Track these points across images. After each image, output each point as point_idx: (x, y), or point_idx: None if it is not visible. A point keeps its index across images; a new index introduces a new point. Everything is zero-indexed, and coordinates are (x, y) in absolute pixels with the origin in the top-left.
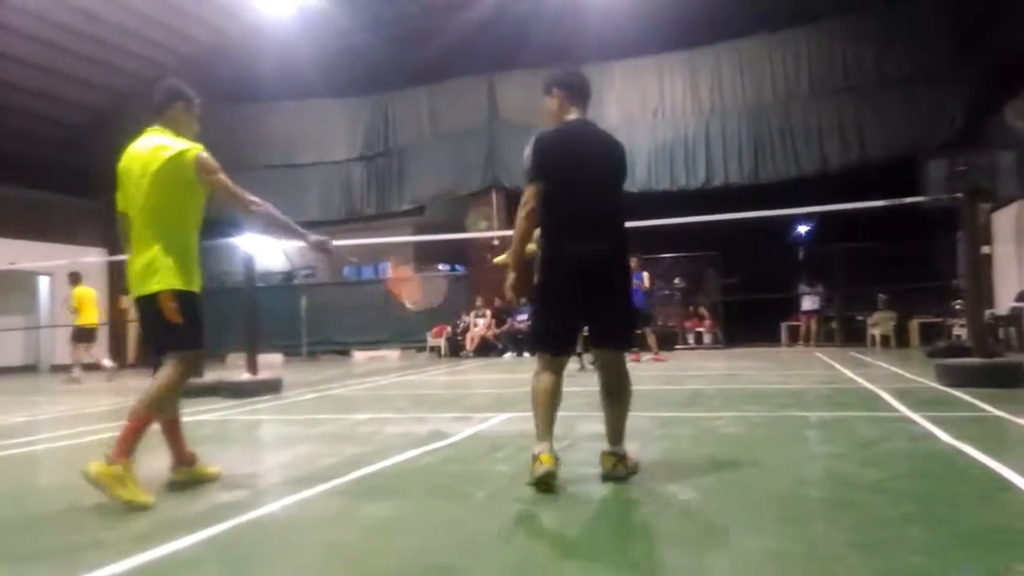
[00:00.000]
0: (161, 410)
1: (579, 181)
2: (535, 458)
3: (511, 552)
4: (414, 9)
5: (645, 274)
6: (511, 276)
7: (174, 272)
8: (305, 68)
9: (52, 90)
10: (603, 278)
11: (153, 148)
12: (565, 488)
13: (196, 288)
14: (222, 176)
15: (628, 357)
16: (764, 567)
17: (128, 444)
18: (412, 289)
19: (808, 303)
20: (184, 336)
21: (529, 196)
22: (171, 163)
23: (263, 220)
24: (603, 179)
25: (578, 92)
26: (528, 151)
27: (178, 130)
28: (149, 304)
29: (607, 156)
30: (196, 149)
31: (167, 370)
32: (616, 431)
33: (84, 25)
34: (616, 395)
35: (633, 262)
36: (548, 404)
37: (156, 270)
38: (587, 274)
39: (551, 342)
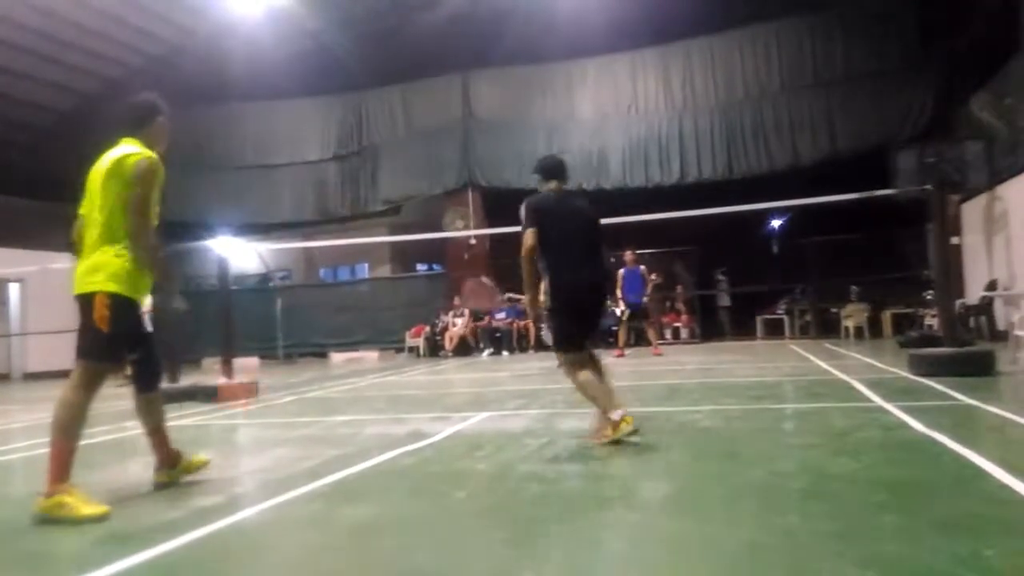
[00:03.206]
0: (75, 432)
1: (566, 228)
2: (620, 421)
3: (491, 552)
4: (385, 7)
5: (642, 268)
6: (531, 310)
7: (114, 277)
8: (276, 67)
9: (15, 92)
10: (593, 298)
11: (109, 157)
12: (542, 486)
13: (139, 296)
14: (143, 191)
15: (613, 353)
16: (741, 558)
17: (57, 472)
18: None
19: (725, 299)
20: (99, 346)
21: (527, 238)
22: (118, 166)
23: (140, 254)
24: (583, 226)
25: (549, 171)
26: (522, 211)
27: (153, 143)
28: (82, 303)
29: (585, 209)
30: (142, 155)
31: (68, 385)
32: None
33: (47, 26)
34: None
35: (629, 256)
36: (599, 383)
37: (97, 271)
38: (584, 293)
39: (574, 342)
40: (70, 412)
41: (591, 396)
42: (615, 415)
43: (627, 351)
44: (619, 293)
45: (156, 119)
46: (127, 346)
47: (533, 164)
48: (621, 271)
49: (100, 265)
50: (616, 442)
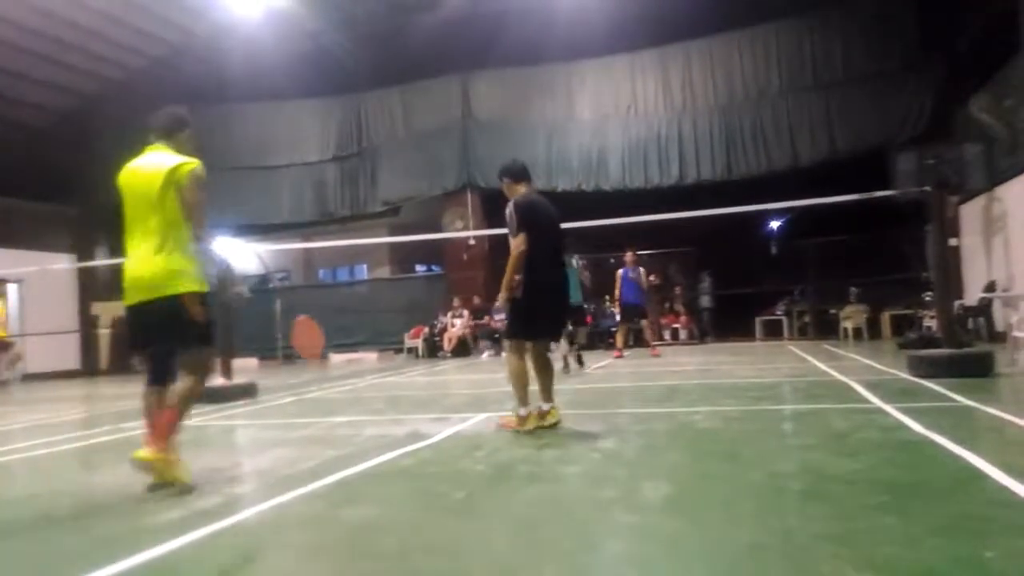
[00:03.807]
0: (190, 409)
1: (544, 229)
2: (526, 417)
3: (490, 553)
4: (384, 9)
5: (641, 269)
6: (503, 296)
7: (195, 276)
8: (275, 69)
9: (15, 93)
10: (557, 298)
11: (161, 164)
12: (541, 487)
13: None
14: (201, 197)
15: (612, 354)
16: (741, 559)
17: (168, 435)
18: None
19: (707, 301)
20: (208, 334)
21: (521, 241)
22: (175, 175)
23: (201, 249)
24: (557, 228)
25: (520, 174)
26: (511, 211)
27: (181, 152)
28: (168, 305)
29: (554, 212)
30: (195, 163)
31: (193, 369)
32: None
33: (47, 26)
34: (550, 366)
35: (629, 256)
36: (524, 378)
37: (179, 273)
38: (551, 293)
39: (526, 334)
40: (199, 388)
41: (513, 385)
42: (522, 411)
43: (626, 352)
44: (616, 293)
45: (185, 130)
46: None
47: (532, 165)
48: (620, 271)
49: (181, 269)
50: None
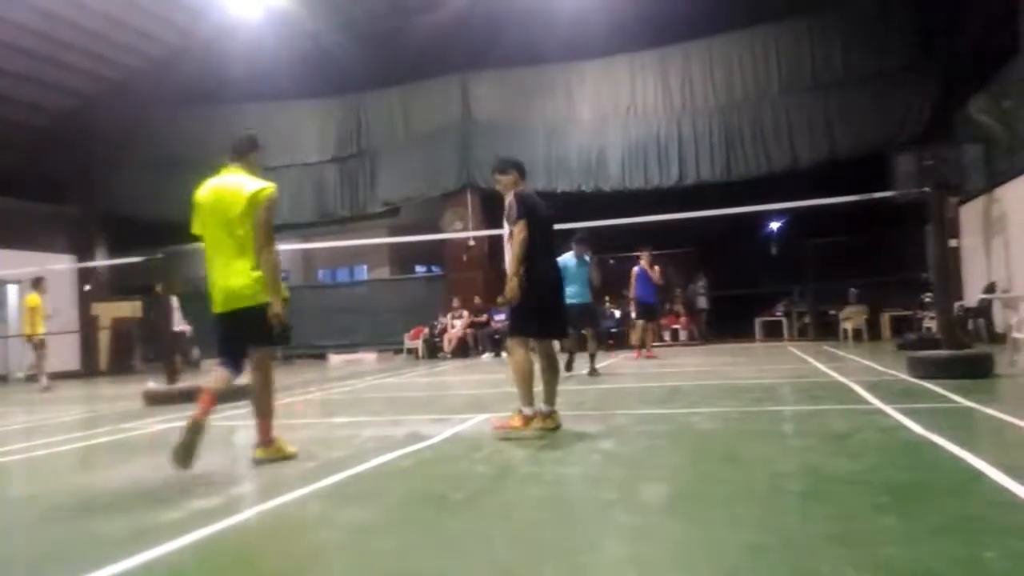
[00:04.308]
0: (273, 392)
1: (542, 226)
2: (532, 418)
3: (490, 555)
4: (384, 9)
5: (656, 268)
6: (513, 283)
7: (270, 287)
8: (275, 69)
9: (14, 93)
10: (556, 295)
11: (242, 187)
12: (541, 488)
13: None
14: (272, 218)
15: (632, 355)
16: (741, 560)
17: (269, 430)
18: None
19: (703, 302)
20: (285, 335)
21: (522, 228)
22: (257, 197)
23: (267, 268)
24: (550, 226)
25: (523, 171)
26: (512, 200)
27: (251, 171)
28: (256, 313)
29: (551, 213)
30: (271, 188)
31: (263, 366)
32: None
33: (47, 27)
34: (557, 369)
35: (645, 256)
36: (530, 376)
37: (259, 286)
38: (550, 289)
39: (528, 330)
40: (272, 382)
41: (516, 382)
42: (527, 411)
43: (646, 351)
44: (631, 293)
45: (254, 152)
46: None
47: (531, 165)
48: (635, 269)
49: (260, 282)
50: (511, 439)
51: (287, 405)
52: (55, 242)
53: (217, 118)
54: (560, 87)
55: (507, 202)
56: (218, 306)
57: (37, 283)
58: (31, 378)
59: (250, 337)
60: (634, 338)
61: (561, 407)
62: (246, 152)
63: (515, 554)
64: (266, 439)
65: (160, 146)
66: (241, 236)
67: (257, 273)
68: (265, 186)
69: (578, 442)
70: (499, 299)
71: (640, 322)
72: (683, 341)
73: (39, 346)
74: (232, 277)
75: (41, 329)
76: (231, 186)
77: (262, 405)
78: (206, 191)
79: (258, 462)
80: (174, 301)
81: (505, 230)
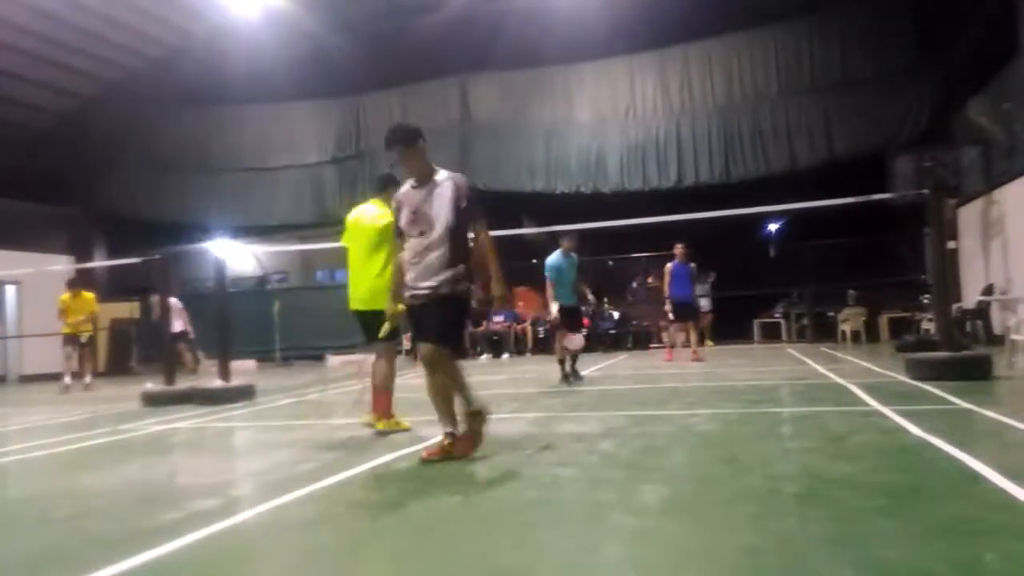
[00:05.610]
0: (392, 384)
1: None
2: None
3: (488, 557)
4: (383, 10)
5: (692, 265)
6: (501, 284)
7: (386, 295)
8: (275, 70)
9: (14, 94)
10: None
11: (378, 218)
12: (539, 489)
13: None
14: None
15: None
16: (739, 562)
17: (386, 408)
18: None
19: (704, 303)
20: (393, 334)
21: (486, 227)
22: (387, 228)
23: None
24: None
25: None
26: (467, 193)
27: (387, 202)
28: (374, 314)
29: None
30: (391, 219)
31: (387, 356)
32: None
33: (47, 28)
34: None
35: (679, 250)
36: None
37: (382, 294)
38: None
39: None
40: (393, 369)
41: (443, 403)
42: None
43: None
44: (666, 290)
45: (391, 187)
46: None
47: (530, 167)
48: (669, 265)
49: (383, 290)
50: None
51: (288, 405)
52: (53, 242)
53: (216, 119)
54: (559, 89)
55: (450, 189)
56: (353, 306)
57: (72, 283)
58: (75, 375)
59: (374, 332)
60: (667, 339)
61: (559, 409)
62: (387, 187)
63: (513, 555)
64: (387, 413)
65: (159, 147)
66: (374, 255)
67: (380, 283)
68: (388, 217)
69: (576, 443)
70: (491, 301)
71: (674, 325)
72: (682, 342)
73: (84, 345)
74: (364, 285)
75: (87, 328)
76: (372, 217)
77: (386, 385)
78: (352, 216)
79: (381, 433)
80: (175, 302)
81: (443, 220)
